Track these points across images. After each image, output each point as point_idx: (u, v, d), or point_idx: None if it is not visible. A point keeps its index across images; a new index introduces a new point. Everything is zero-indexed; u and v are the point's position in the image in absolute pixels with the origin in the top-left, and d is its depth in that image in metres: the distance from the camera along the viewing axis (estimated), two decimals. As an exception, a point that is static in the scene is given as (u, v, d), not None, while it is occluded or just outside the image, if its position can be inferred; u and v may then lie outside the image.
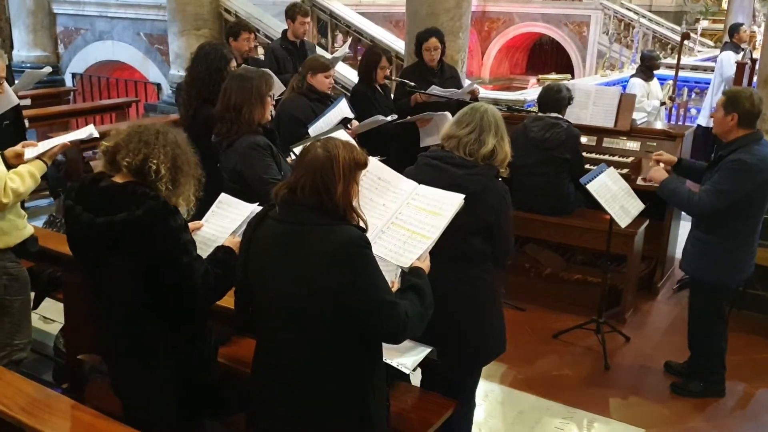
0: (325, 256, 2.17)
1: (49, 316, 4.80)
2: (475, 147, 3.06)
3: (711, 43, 18.81)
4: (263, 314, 2.34)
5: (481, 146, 3.05)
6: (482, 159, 3.06)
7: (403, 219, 2.58)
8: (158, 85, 9.77)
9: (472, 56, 21.87)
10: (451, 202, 2.62)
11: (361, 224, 2.30)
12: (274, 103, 3.77)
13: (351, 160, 2.26)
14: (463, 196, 2.65)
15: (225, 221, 2.90)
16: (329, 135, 4.06)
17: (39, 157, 3.39)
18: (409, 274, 2.43)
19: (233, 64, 4.49)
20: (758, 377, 4.47)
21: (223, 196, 3.04)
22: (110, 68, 10.56)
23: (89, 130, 3.56)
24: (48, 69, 7.42)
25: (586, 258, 5.56)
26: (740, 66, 8.51)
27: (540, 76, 7.80)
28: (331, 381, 2.27)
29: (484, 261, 3.13)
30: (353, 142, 4.13)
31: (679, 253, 5.76)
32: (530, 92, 8.17)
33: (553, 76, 7.96)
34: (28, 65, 10.72)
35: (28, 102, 7.54)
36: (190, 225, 2.66)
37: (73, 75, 10.57)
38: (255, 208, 2.90)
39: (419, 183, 2.80)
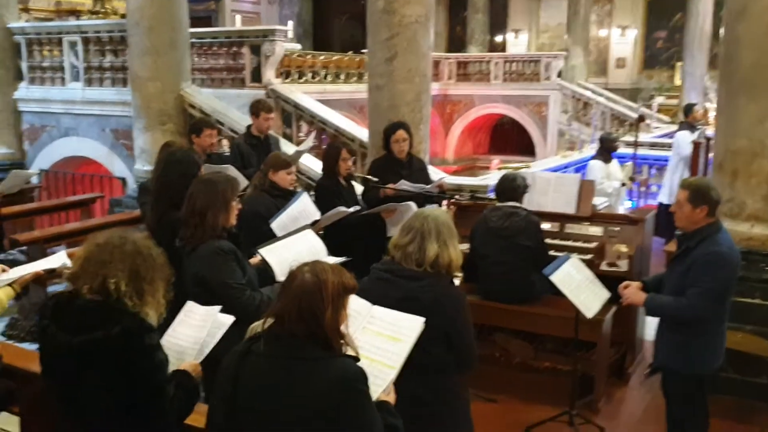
0: (320, 397, 2.10)
1: (6, 428, 4.62)
2: (419, 255, 3.04)
3: (667, 118, 19.41)
4: None
5: (424, 254, 3.03)
6: (430, 266, 3.03)
7: (361, 346, 2.46)
8: (123, 180, 9.79)
9: (436, 138, 22.27)
10: (411, 326, 2.57)
11: (350, 352, 2.24)
12: (240, 206, 3.78)
13: (340, 284, 2.23)
14: (423, 319, 2.61)
15: (191, 330, 2.87)
16: (316, 259, 4.09)
17: (9, 284, 3.33)
18: (381, 411, 2.31)
19: (202, 170, 4.53)
20: (737, 464, 4.43)
21: (190, 304, 3.02)
22: (76, 163, 10.58)
23: (62, 259, 3.50)
24: (36, 171, 7.45)
25: (555, 346, 5.53)
26: (696, 145, 8.79)
27: (501, 165, 7.95)
28: None
29: (449, 371, 3.10)
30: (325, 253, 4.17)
31: (648, 336, 5.80)
32: (493, 176, 8.30)
33: (514, 165, 8.12)
34: (-7, 163, 10.71)
35: (-6, 200, 7.50)
36: None
37: (39, 171, 10.55)
38: (216, 312, 2.89)
39: (373, 298, 2.77)
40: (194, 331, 2.85)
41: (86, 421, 2.49)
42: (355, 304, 2.62)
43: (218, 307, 2.95)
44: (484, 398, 5.08)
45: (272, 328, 2.21)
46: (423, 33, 6.96)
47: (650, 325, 5.64)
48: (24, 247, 6.66)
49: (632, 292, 4.12)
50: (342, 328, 2.24)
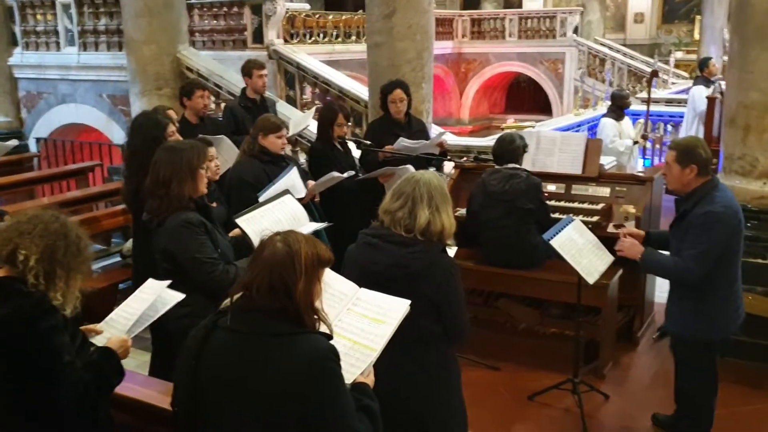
0: (288, 374, 1.95)
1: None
2: (409, 221, 2.85)
3: (686, 74, 18.91)
4: None
5: (414, 220, 2.84)
6: (420, 233, 2.84)
7: (343, 327, 2.36)
8: (122, 147, 9.59)
9: (451, 97, 21.93)
10: (396, 308, 2.44)
11: (324, 328, 2.09)
12: (209, 175, 3.56)
13: (314, 255, 2.07)
14: (409, 302, 2.47)
15: (138, 303, 2.74)
16: (290, 230, 3.92)
17: None
18: (357, 392, 2.18)
19: (171, 129, 4.32)
20: (748, 431, 4.23)
21: (150, 281, 2.88)
22: (75, 131, 10.42)
23: None
24: (15, 142, 7.33)
25: (562, 311, 5.33)
26: (711, 100, 8.48)
27: (509, 125, 7.68)
28: None
29: (438, 342, 2.91)
30: (305, 215, 3.97)
31: (657, 298, 5.59)
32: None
33: (518, 124, 7.86)
34: (-8, 131, 10.57)
35: (-13, 170, 7.37)
36: (89, 327, 2.44)
37: (38, 140, 10.41)
38: (163, 285, 2.75)
39: (361, 264, 2.61)
40: (139, 304, 2.70)
41: None
42: (342, 285, 2.51)
43: (166, 282, 2.80)
44: (487, 366, 4.93)
45: (240, 301, 2.06)
46: (423, -13, 6.66)
47: (660, 287, 5.43)
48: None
49: (630, 244, 3.89)
50: (316, 303, 2.09)
